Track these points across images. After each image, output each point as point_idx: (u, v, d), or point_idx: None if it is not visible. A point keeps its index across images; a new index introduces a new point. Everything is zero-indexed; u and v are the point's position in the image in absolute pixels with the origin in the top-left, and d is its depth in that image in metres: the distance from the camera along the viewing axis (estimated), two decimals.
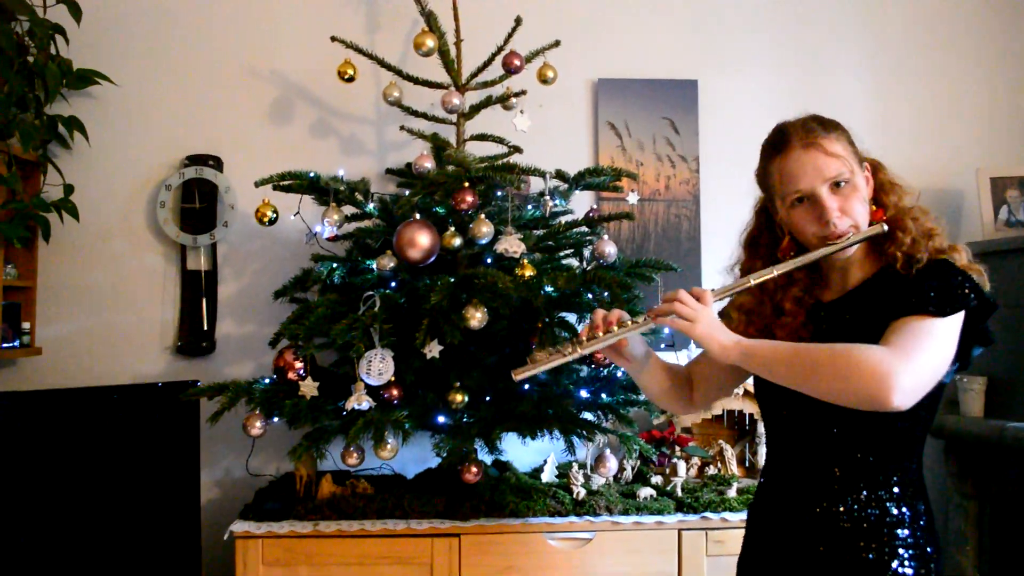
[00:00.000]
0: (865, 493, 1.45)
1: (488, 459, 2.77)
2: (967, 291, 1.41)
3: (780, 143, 1.52)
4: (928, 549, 1.44)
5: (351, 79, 2.72)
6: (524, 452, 2.85)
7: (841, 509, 1.46)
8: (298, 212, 2.55)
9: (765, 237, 1.63)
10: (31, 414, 2.38)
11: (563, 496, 2.51)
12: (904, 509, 1.44)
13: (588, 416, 2.49)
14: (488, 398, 2.46)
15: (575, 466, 2.63)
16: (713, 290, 1.52)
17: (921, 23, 3.26)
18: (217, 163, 2.99)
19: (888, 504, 1.44)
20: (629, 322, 1.55)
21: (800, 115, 1.56)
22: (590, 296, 2.43)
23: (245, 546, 2.38)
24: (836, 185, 1.48)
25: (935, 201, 3.18)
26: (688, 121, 3.12)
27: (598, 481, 2.63)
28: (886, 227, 1.48)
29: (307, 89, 3.06)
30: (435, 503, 2.45)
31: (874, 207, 1.52)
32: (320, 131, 3.08)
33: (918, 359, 1.33)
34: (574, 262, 2.66)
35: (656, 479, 2.71)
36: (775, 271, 1.52)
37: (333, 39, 2.69)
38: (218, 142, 3.01)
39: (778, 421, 1.60)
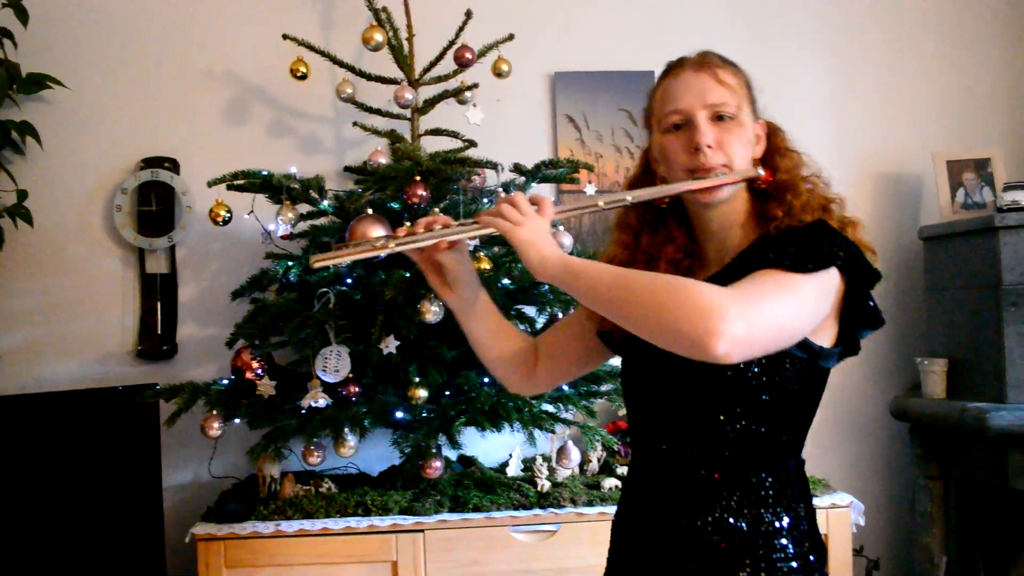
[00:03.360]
0: (736, 499, 1.26)
1: (453, 455, 2.77)
2: (834, 250, 1.23)
3: (673, 65, 1.38)
4: (811, 558, 1.28)
5: (304, 77, 2.71)
6: (490, 447, 2.84)
7: (709, 519, 1.26)
8: (252, 211, 2.53)
9: (645, 182, 1.44)
10: None
11: (527, 489, 2.50)
12: (782, 514, 1.27)
13: (548, 408, 2.48)
14: (448, 393, 2.46)
15: (539, 459, 2.62)
16: (558, 205, 1.34)
17: (877, 8, 3.28)
18: (173, 165, 2.96)
19: (763, 511, 1.26)
20: (454, 225, 1.34)
21: None
22: (547, 287, 2.43)
23: (207, 548, 2.35)
24: (718, 118, 1.31)
25: (893, 185, 3.24)
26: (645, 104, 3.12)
27: (564, 473, 2.62)
28: (762, 171, 1.32)
29: (263, 89, 3.04)
30: (398, 500, 2.44)
31: (762, 167, 1.34)
32: (277, 130, 3.06)
33: (758, 307, 1.14)
34: None
35: (622, 470, 2.71)
36: (629, 196, 1.35)
37: (285, 37, 2.68)
38: (174, 144, 2.98)
39: (642, 419, 1.40)
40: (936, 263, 2.99)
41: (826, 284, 1.22)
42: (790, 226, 1.29)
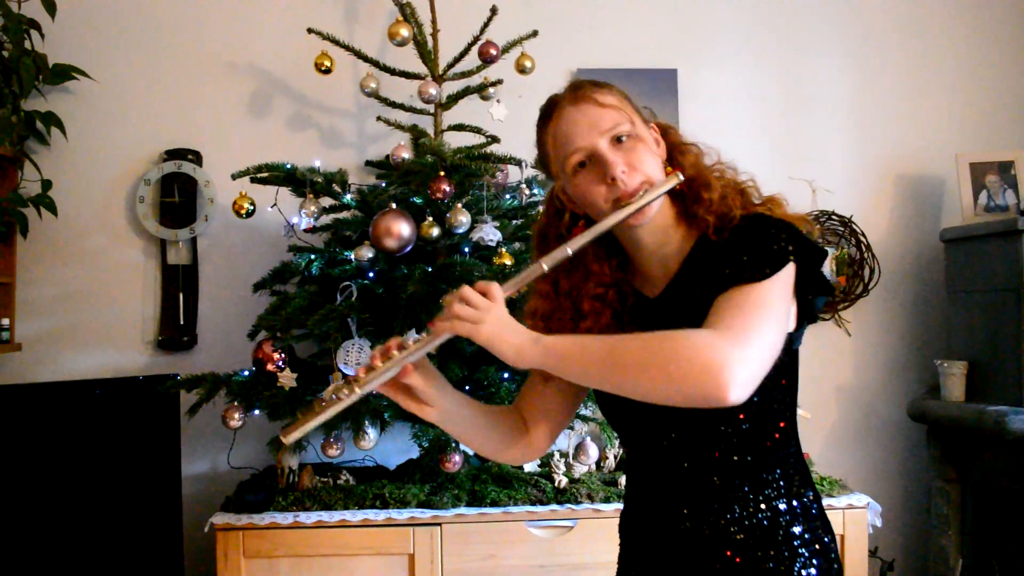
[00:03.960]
0: (752, 496, 1.29)
1: (470, 449, 2.77)
2: (783, 244, 1.24)
3: (549, 109, 1.34)
4: (826, 539, 1.32)
5: (328, 71, 2.72)
6: None
7: (730, 519, 1.29)
8: (275, 204, 2.55)
9: (555, 229, 1.40)
10: (11, 408, 2.38)
11: (544, 485, 2.51)
12: (794, 503, 1.30)
13: None
14: (468, 387, 2.46)
15: (556, 455, 2.63)
16: (501, 284, 1.26)
17: (900, 11, 3.26)
18: (196, 157, 2.98)
19: (776, 502, 1.30)
20: (411, 342, 1.28)
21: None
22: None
23: (226, 538, 2.37)
24: (618, 140, 1.29)
25: (915, 187, 3.23)
26: (668, 111, 3.12)
27: (580, 470, 2.63)
28: (682, 176, 1.30)
29: (286, 82, 3.05)
30: (416, 493, 2.45)
31: (669, 168, 1.33)
32: (299, 124, 3.07)
33: (750, 341, 1.16)
34: None
35: None
36: (568, 248, 1.27)
37: (310, 31, 2.69)
38: (197, 136, 3.00)
39: (636, 435, 1.39)
40: (957, 265, 2.98)
41: (786, 278, 1.24)
42: (726, 225, 1.30)
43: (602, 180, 1.28)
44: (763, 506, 1.30)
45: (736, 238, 1.27)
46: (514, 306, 1.30)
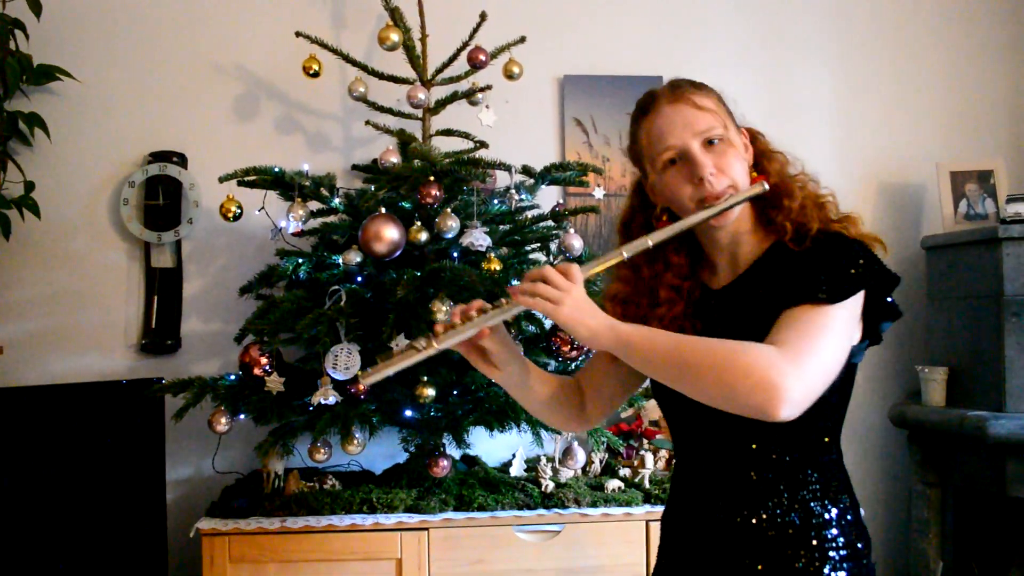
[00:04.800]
0: (787, 496, 1.33)
1: (456, 454, 2.77)
2: (860, 269, 1.28)
3: (647, 104, 1.41)
4: (859, 545, 1.34)
5: (316, 74, 2.71)
6: (493, 447, 2.85)
7: (764, 516, 1.33)
8: (263, 208, 2.54)
9: (639, 219, 1.48)
10: None
11: (531, 489, 2.51)
12: (829, 506, 1.33)
13: None
14: (456, 392, 2.47)
15: (543, 459, 2.64)
16: (583, 265, 1.34)
17: (884, 21, 3.31)
18: (181, 159, 2.96)
19: (812, 504, 1.33)
20: (490, 308, 1.36)
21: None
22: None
23: (212, 543, 2.36)
24: (709, 143, 1.35)
25: (896, 195, 3.27)
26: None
27: (566, 474, 2.64)
28: (767, 186, 1.35)
29: (272, 85, 3.04)
30: (403, 498, 2.44)
31: (755, 174, 1.39)
32: (286, 127, 3.06)
33: (809, 363, 1.20)
34: (541, 256, 2.67)
35: (624, 471, 2.72)
36: (649, 240, 1.36)
37: (298, 34, 2.68)
38: (182, 138, 2.99)
39: (683, 425, 1.46)
40: (938, 272, 3.02)
41: (855, 303, 1.28)
42: (806, 231, 1.33)
43: (690, 180, 1.35)
44: (797, 506, 1.33)
45: (815, 253, 1.31)
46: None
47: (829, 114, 3.27)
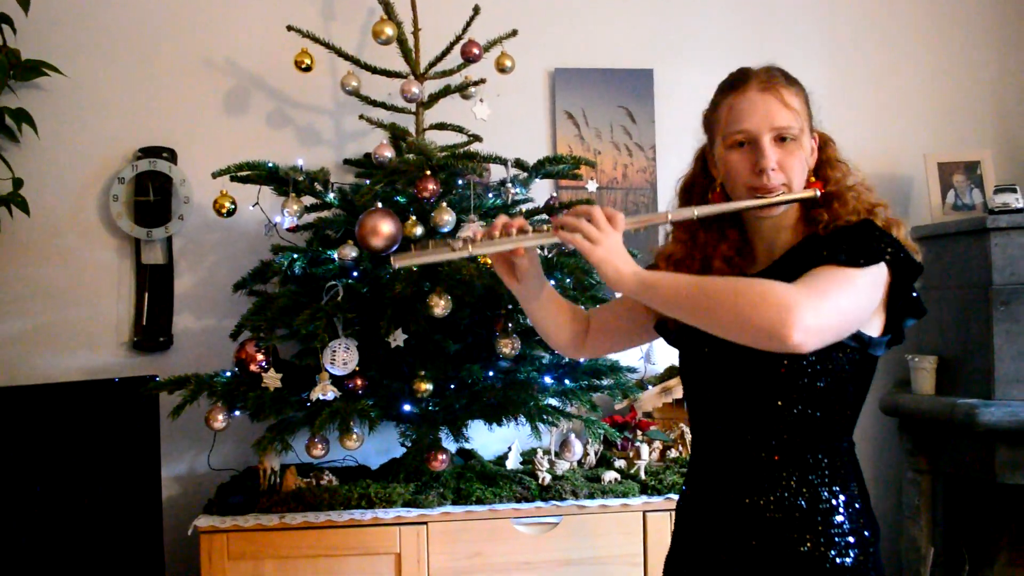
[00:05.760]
0: (796, 479, 1.35)
1: (452, 448, 2.78)
2: (883, 245, 1.32)
3: (739, 81, 1.45)
4: (866, 533, 1.36)
5: (308, 68, 2.70)
6: (488, 440, 2.86)
7: (771, 498, 1.35)
8: (257, 203, 2.52)
9: (700, 186, 1.53)
10: None
11: (529, 482, 2.52)
12: (838, 492, 1.35)
13: (553, 402, 2.50)
14: (453, 386, 2.47)
15: (540, 452, 2.65)
16: (628, 217, 1.40)
17: (872, 13, 3.33)
18: (171, 155, 2.94)
19: (820, 489, 1.35)
20: (531, 230, 1.43)
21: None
22: (552, 283, 2.44)
23: (210, 540, 2.35)
24: (782, 139, 1.40)
25: (885, 186, 3.29)
26: (644, 110, 3.15)
27: (563, 466, 2.65)
28: (819, 193, 1.40)
29: (262, 79, 3.03)
30: (401, 493, 2.45)
31: (814, 179, 1.44)
32: (276, 122, 3.04)
33: (825, 298, 1.23)
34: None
35: (620, 463, 2.74)
36: (696, 211, 1.42)
37: (289, 28, 2.66)
38: (172, 134, 2.96)
39: (702, 408, 1.49)
40: (926, 262, 3.00)
41: (877, 277, 1.31)
42: (838, 226, 1.37)
43: (752, 167, 1.39)
44: (805, 490, 1.35)
45: (842, 231, 1.36)
46: None
47: (817, 106, 3.28)
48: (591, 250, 1.34)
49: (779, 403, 1.36)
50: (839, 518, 1.34)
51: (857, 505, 1.37)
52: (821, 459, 1.36)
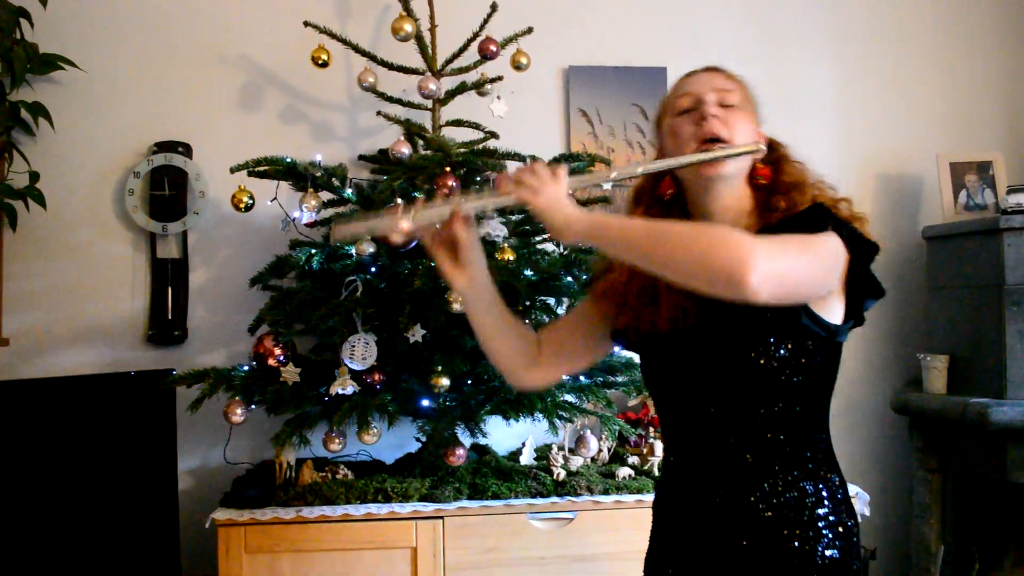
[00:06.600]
0: (781, 475, 1.35)
1: (467, 443, 2.79)
2: (836, 221, 1.33)
3: (686, 73, 1.49)
4: (849, 523, 1.37)
5: (325, 64, 2.70)
6: (502, 436, 2.87)
7: (759, 496, 1.35)
8: (275, 198, 2.53)
9: (648, 191, 1.51)
10: (1, 405, 2.33)
11: (544, 478, 2.53)
12: (820, 485, 1.36)
13: (569, 398, 2.51)
14: (470, 382, 2.48)
15: (555, 448, 2.66)
16: (571, 176, 1.37)
17: (884, 12, 3.34)
18: (186, 150, 2.95)
19: (804, 483, 1.35)
20: (472, 195, 1.41)
21: None
22: (570, 279, 2.46)
23: (227, 534, 2.36)
24: (726, 106, 1.40)
25: (896, 185, 3.31)
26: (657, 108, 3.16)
27: (577, 462, 2.66)
28: (763, 147, 1.39)
29: (277, 75, 3.03)
30: (418, 487, 2.46)
31: (760, 165, 1.43)
32: (291, 117, 3.05)
33: (783, 250, 1.22)
34: (550, 246, 2.68)
35: (633, 459, 2.75)
36: (638, 169, 1.41)
37: (306, 24, 2.67)
38: (187, 128, 2.97)
39: (674, 410, 1.46)
40: (939, 262, 3.06)
41: (834, 248, 1.30)
42: (792, 214, 1.38)
43: (696, 122, 1.39)
44: (791, 486, 1.35)
45: (794, 217, 1.37)
46: None
47: (828, 105, 3.30)
48: (533, 198, 1.31)
49: (759, 404, 1.35)
50: (823, 509, 1.35)
51: (839, 496, 1.38)
52: (804, 453, 1.37)
